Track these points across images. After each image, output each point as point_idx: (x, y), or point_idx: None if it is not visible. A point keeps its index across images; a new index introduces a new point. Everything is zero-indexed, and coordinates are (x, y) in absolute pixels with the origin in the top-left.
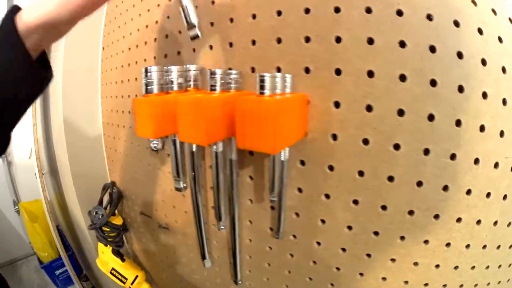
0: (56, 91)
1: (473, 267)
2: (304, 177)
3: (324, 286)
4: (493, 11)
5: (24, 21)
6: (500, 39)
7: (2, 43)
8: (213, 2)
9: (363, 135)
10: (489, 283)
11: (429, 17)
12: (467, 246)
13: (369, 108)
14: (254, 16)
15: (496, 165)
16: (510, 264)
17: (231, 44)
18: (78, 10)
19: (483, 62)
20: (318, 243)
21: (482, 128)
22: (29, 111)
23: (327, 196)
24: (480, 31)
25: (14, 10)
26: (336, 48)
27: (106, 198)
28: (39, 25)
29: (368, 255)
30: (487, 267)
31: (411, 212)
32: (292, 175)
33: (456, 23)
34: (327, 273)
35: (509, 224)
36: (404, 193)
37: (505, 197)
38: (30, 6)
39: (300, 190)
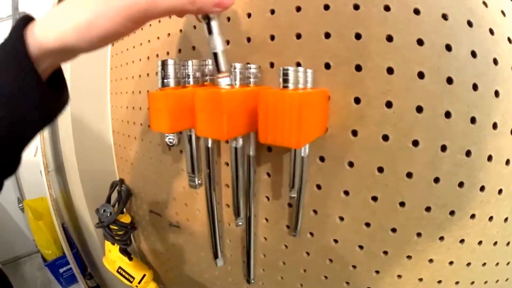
0: None
1: (484, 264)
2: (323, 173)
3: (339, 284)
4: (502, 12)
5: (38, 40)
6: (509, 40)
7: (10, 65)
8: None
9: (383, 131)
10: (497, 280)
11: (445, 17)
12: (480, 242)
13: (389, 105)
14: (272, 12)
15: (507, 162)
16: None
17: (248, 39)
18: (100, 38)
19: (495, 62)
20: (336, 241)
21: (494, 126)
22: None
23: (346, 192)
24: (491, 31)
25: (25, 21)
26: (356, 45)
27: (114, 196)
28: (54, 49)
29: (385, 253)
30: (497, 264)
31: (428, 209)
32: (311, 172)
33: (470, 23)
34: (343, 271)
35: None
36: (421, 189)
37: None
38: (45, 22)
39: (319, 186)
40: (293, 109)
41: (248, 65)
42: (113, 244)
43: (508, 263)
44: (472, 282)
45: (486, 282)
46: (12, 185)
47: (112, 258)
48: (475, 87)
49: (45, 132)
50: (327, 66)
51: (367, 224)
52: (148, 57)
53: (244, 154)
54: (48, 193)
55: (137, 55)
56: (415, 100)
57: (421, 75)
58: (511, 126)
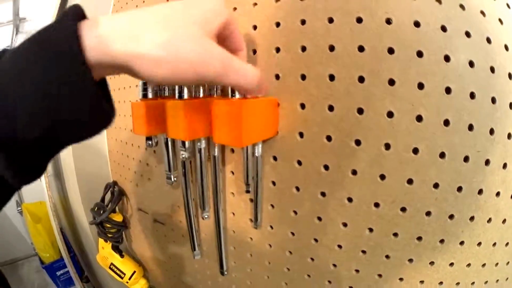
0: None
1: (451, 264)
2: (277, 171)
3: (301, 277)
4: (461, 6)
5: (104, 44)
6: (467, 34)
7: (61, 63)
8: None
9: (326, 133)
10: (473, 283)
11: (388, 21)
12: (441, 241)
13: (330, 108)
14: None
15: (466, 159)
16: (497, 263)
17: None
18: (166, 78)
19: (446, 58)
20: (293, 234)
21: (446, 123)
22: None
23: (297, 188)
24: (443, 28)
25: (76, 14)
26: (301, 56)
27: (108, 197)
28: (119, 63)
29: (339, 246)
30: (468, 264)
31: (376, 205)
32: (266, 170)
33: (417, 24)
34: (303, 263)
35: (489, 220)
36: (367, 186)
37: (480, 191)
38: (115, 26)
39: (273, 183)
40: (234, 115)
41: None
42: (106, 241)
43: (483, 265)
44: (441, 283)
45: (458, 283)
46: None
47: (104, 254)
48: (420, 86)
49: None
50: (277, 77)
51: (319, 218)
52: None
53: (211, 155)
54: (47, 196)
55: None
56: (355, 103)
57: (361, 79)
58: (468, 122)
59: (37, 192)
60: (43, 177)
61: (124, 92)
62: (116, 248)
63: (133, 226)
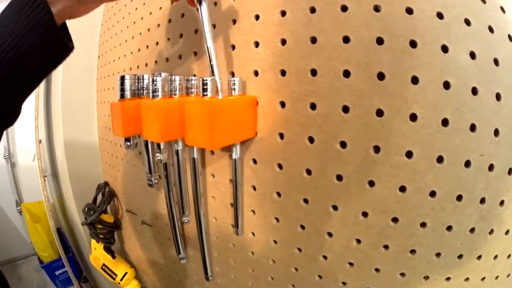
0: (56, 97)
1: (448, 279)
2: (257, 175)
3: (285, 286)
4: None
5: None
6: (467, 22)
7: (25, 4)
8: (182, 15)
9: (308, 134)
10: None
11: (377, 8)
12: (437, 254)
13: (313, 106)
14: (214, 26)
15: (467, 163)
16: (497, 277)
17: (195, 53)
18: None
19: (444, 49)
20: (275, 242)
21: (445, 122)
22: (32, 113)
23: (279, 194)
24: (440, 15)
25: None
26: (281, 50)
27: (100, 198)
28: None
29: (325, 257)
30: (467, 279)
31: (365, 214)
32: (246, 173)
33: (409, 10)
34: (287, 273)
35: (491, 232)
36: (354, 193)
37: (482, 200)
38: None
39: (254, 188)
40: (204, 115)
41: (191, 77)
42: (98, 242)
43: (483, 279)
44: None
45: None
46: (10, 188)
47: (97, 255)
48: (415, 80)
49: (43, 139)
50: (256, 73)
51: (302, 227)
52: (124, 70)
53: (191, 157)
54: (43, 195)
55: (115, 68)
56: (341, 100)
57: (346, 73)
58: (470, 121)
59: (37, 192)
60: (40, 176)
61: (111, 93)
62: (108, 249)
63: (124, 227)
